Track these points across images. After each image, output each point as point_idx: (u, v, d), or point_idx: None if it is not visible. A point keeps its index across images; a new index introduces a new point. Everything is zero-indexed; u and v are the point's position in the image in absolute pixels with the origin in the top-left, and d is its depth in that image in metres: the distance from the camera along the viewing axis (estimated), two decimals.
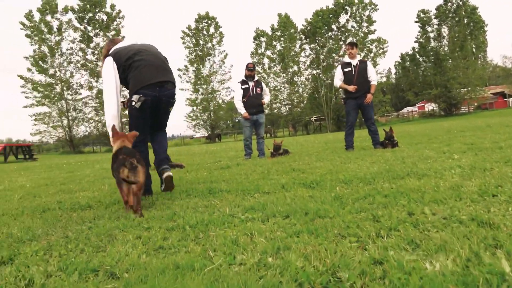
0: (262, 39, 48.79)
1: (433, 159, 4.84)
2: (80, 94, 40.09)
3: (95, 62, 39.11)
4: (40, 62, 38.41)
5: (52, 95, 38.53)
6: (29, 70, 38.38)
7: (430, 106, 49.54)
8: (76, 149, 39.43)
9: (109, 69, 3.66)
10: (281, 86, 48.97)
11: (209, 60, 45.97)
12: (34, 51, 38.62)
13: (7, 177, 8.77)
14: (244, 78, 8.23)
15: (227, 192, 3.67)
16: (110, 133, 3.49)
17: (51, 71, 38.94)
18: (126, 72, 3.70)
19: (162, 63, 3.88)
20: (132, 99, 3.70)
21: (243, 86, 8.14)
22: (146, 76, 3.67)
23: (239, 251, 1.83)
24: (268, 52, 48.76)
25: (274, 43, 48.45)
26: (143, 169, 3.04)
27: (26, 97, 38.09)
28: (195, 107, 45.65)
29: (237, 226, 2.33)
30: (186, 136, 55.67)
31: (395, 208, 2.43)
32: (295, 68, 48.53)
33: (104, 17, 39.90)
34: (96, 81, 39.35)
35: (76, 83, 40.01)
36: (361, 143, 9.87)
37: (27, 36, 38.13)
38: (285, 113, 49.93)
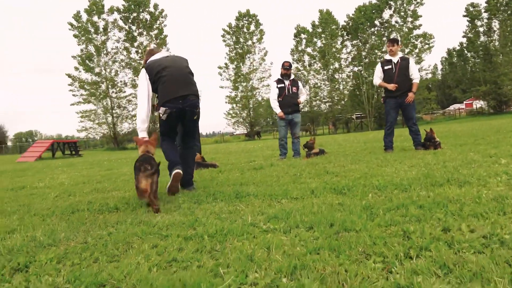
0: (302, 36, 48.19)
1: (477, 164, 4.50)
2: (124, 92, 41.32)
3: (138, 61, 40.17)
4: (87, 61, 39.87)
5: (98, 93, 39.93)
6: (76, 69, 40.00)
7: (478, 104, 47.12)
8: (120, 145, 40.72)
9: (143, 80, 4.21)
10: (321, 83, 48.21)
11: (249, 57, 45.98)
12: (81, 50, 40.16)
13: (50, 173, 9.09)
14: (280, 77, 8.10)
15: (255, 197, 3.56)
16: (142, 134, 4.05)
17: (97, 70, 40.34)
18: (156, 84, 4.17)
19: (185, 78, 4.24)
20: (159, 111, 4.17)
21: (279, 85, 8.01)
22: (170, 90, 4.09)
23: (253, 268, 1.71)
24: (309, 49, 48.11)
25: (315, 39, 47.72)
26: (156, 175, 3.48)
27: (73, 95, 39.80)
28: (234, 105, 45.87)
29: (256, 237, 2.21)
30: (226, 133, 56.22)
31: (429, 223, 2.22)
32: (336, 65, 47.58)
33: (148, 17, 40.85)
34: None
35: (120, 81, 41.25)
36: (401, 143, 9.46)
37: (75, 36, 39.70)
38: (325, 111, 49.10)
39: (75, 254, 2.13)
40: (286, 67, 7.96)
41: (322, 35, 47.21)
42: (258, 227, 2.42)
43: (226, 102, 45.97)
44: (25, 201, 4.51)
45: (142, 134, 4.06)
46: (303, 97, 8.21)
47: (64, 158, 22.22)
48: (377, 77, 7.68)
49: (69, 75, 39.56)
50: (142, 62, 4.36)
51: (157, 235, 2.41)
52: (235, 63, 45.79)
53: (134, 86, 40.67)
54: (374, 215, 2.49)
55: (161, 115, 4.17)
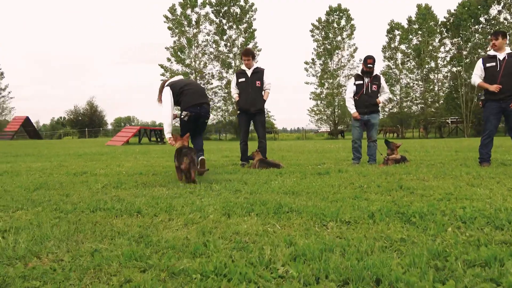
0: (396, 32, 45.17)
1: None
2: (211, 84, 41.91)
3: (226, 54, 40.79)
4: (179, 53, 41.53)
5: None
6: (168, 60, 41.61)
7: None
8: (204, 135, 41.85)
9: (167, 95, 5.58)
10: (414, 83, 44.83)
11: (337, 54, 44.34)
12: (174, 42, 41.79)
13: (118, 160, 9.25)
14: (359, 73, 7.34)
15: (297, 214, 2.90)
16: (168, 136, 5.45)
17: (187, 61, 41.60)
18: (179, 97, 5.65)
19: (202, 91, 5.98)
20: (182, 114, 5.68)
21: (357, 82, 7.26)
22: (192, 99, 5.66)
23: None
24: (402, 47, 44.90)
25: (410, 36, 44.39)
26: (195, 157, 4.95)
27: None
28: (319, 101, 44.55)
29: None
30: (310, 130, 55.24)
31: None
32: (432, 64, 43.87)
33: (238, 10, 41.27)
34: (227, 72, 41.16)
35: (208, 73, 42.02)
36: (501, 155, 7.99)
37: (169, 28, 41.37)
38: (416, 113, 45.67)
39: (30, 278, 1.65)
40: (369, 64, 7.10)
41: (419, 32, 43.71)
42: (272, 269, 1.75)
43: (310, 99, 44.80)
44: (70, 189, 4.44)
45: (168, 135, 5.46)
46: (384, 96, 7.36)
47: (148, 144, 23.16)
48: (477, 75, 6.44)
49: (161, 66, 41.44)
50: (160, 87, 5.93)
51: (138, 268, 1.85)
52: (323, 59, 44.40)
53: (221, 78, 41.48)
54: (448, 273, 1.67)
55: (183, 117, 5.66)
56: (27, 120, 40.25)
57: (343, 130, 43.80)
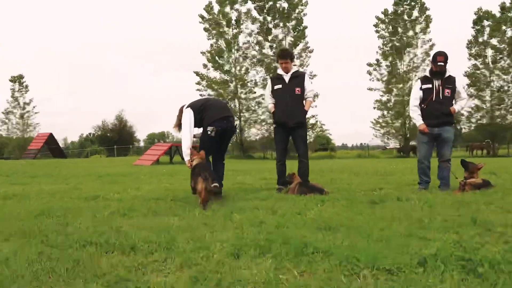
0: (485, 23, 43.49)
1: None
2: (254, 92, 42.32)
3: (271, 57, 41.04)
4: (217, 58, 42.40)
5: (226, 93, 42.12)
6: (204, 66, 42.50)
7: None
8: (245, 153, 42.22)
9: (187, 116, 6.20)
10: (509, 86, 42.84)
11: (408, 52, 43.39)
12: (211, 45, 42.73)
13: (140, 182, 9.56)
14: (427, 75, 7.08)
15: (324, 257, 2.79)
16: (187, 158, 6.10)
17: (226, 67, 42.35)
18: (201, 114, 6.20)
19: (225, 105, 6.82)
20: (208, 129, 6.16)
21: (424, 86, 7.00)
22: (216, 113, 6.23)
23: None
24: (494, 41, 43.11)
25: (504, 28, 42.56)
26: (212, 178, 5.50)
27: (200, 95, 42.28)
28: (385, 111, 43.64)
29: None
30: (376, 147, 54.18)
31: None
32: None
33: (285, 5, 41.65)
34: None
35: (251, 80, 42.50)
36: None
37: (205, 29, 42.32)
38: None
39: None
40: (440, 62, 6.82)
41: None
42: None
43: (374, 108, 43.86)
44: (72, 217, 4.67)
45: (187, 157, 6.08)
46: (460, 103, 7.07)
47: (181, 163, 23.53)
48: None
49: (197, 73, 42.47)
50: (176, 120, 6.62)
51: None
52: (390, 59, 43.48)
53: (265, 86, 41.85)
54: None
55: (210, 132, 6.14)
56: (51, 137, 42.46)
57: (415, 146, 42.52)
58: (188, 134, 6.15)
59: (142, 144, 74.77)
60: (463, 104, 7.09)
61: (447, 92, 6.88)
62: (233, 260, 2.78)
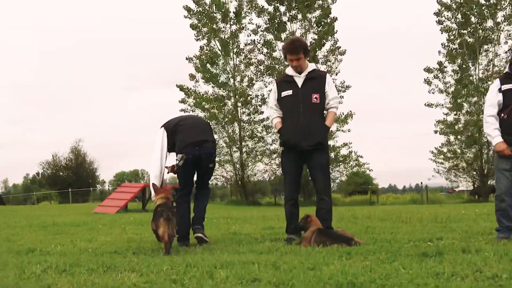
0: None
1: None
2: (261, 113, 42.58)
3: (284, 63, 41.03)
4: (208, 65, 42.47)
5: (222, 114, 42.11)
6: (192, 77, 42.79)
7: None
8: (250, 198, 42.17)
9: (159, 138, 7.19)
10: None
11: (486, 50, 43.32)
12: (201, 48, 42.94)
13: (95, 233, 9.97)
14: (509, 71, 7.05)
15: None
16: (152, 191, 6.91)
17: (222, 78, 42.73)
18: (173, 136, 7.13)
19: (203, 125, 7.71)
20: (176, 158, 7.04)
21: (505, 87, 6.90)
22: (187, 137, 7.04)
23: None
24: None
25: None
26: (175, 221, 6.36)
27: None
28: (452, 137, 43.72)
29: None
30: (436, 188, 53.75)
31: None
32: None
33: None
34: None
35: (256, 96, 42.87)
36: None
37: (193, 26, 42.57)
38: None
39: None
40: None
41: None
42: None
43: (436, 132, 43.82)
44: None
45: (154, 192, 6.84)
46: None
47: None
48: None
49: (181, 88, 42.61)
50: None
51: None
52: (459, 61, 43.55)
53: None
54: None
55: (177, 162, 7.06)
56: None
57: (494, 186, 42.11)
58: (158, 161, 7.14)
59: (107, 187, 75.02)
60: None
61: None
62: None
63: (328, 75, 7.60)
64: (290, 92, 7.28)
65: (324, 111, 7.36)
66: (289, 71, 7.46)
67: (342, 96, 39.72)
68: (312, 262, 4.97)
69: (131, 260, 5.63)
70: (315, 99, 7.21)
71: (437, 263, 4.81)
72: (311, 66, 7.48)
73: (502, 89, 6.91)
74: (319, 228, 6.71)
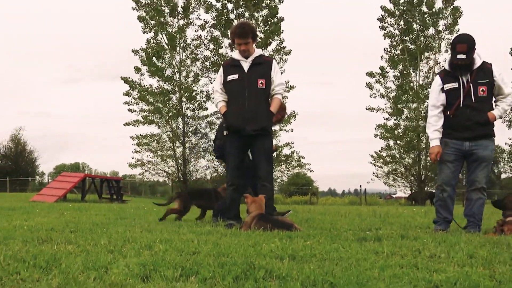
0: None
1: None
2: (206, 109, 42.90)
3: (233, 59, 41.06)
4: (154, 59, 42.28)
5: (166, 108, 42.02)
6: (137, 70, 42.38)
7: None
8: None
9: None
10: None
11: (427, 58, 44.19)
12: (148, 41, 42.66)
13: (32, 215, 9.61)
14: (447, 68, 7.07)
15: (282, 281, 2.89)
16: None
17: (167, 72, 42.63)
18: None
19: None
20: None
21: (446, 86, 6.95)
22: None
23: None
24: None
25: None
26: None
27: (129, 109, 42.02)
28: (392, 142, 44.52)
29: None
30: (376, 194, 54.59)
31: None
32: None
33: None
34: None
35: (201, 91, 42.96)
36: None
37: (140, 19, 42.15)
38: None
39: None
40: (460, 54, 6.78)
41: None
42: None
43: (376, 136, 44.58)
44: None
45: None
46: (502, 105, 6.99)
47: (98, 203, 23.53)
48: None
49: (125, 80, 42.21)
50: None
51: None
52: (400, 67, 44.46)
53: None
54: None
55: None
56: None
57: (433, 193, 42.88)
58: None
59: (46, 179, 73.99)
60: (507, 104, 7.00)
61: (482, 91, 6.86)
62: (138, 283, 2.89)
63: (274, 61, 7.65)
64: (236, 76, 7.32)
65: (269, 97, 7.41)
66: (236, 55, 7.50)
67: (286, 96, 40.06)
68: (252, 242, 5.05)
69: (68, 236, 5.59)
70: (261, 85, 7.25)
71: (376, 246, 4.93)
72: (258, 51, 7.52)
73: (445, 89, 6.99)
74: (260, 213, 6.73)
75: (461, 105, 6.87)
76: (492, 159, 7.24)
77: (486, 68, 6.93)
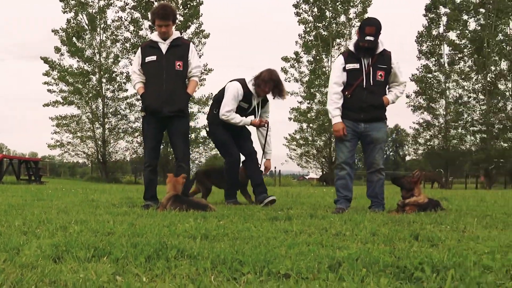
0: (442, 10, 45.64)
1: None
2: (126, 90, 42.41)
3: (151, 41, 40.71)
4: (74, 39, 41.29)
5: (86, 89, 41.25)
6: (57, 50, 41.36)
7: None
8: (110, 175, 41.83)
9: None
10: (470, 96, 45.33)
11: (339, 45, 44.46)
12: (68, 21, 41.47)
13: None
14: (352, 50, 7.21)
15: (193, 261, 2.88)
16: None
17: (87, 53, 41.79)
18: None
19: None
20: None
21: (348, 66, 7.07)
22: None
23: None
24: (452, 35, 45.28)
25: (466, 17, 45.27)
26: None
27: (48, 90, 41.08)
28: (305, 125, 45.16)
29: None
30: (290, 175, 55.13)
31: None
32: (504, 65, 44.68)
33: None
34: None
35: (121, 73, 42.36)
36: None
37: None
38: (473, 148, 46.16)
39: None
40: (369, 36, 6.91)
41: (481, 10, 44.73)
42: None
43: (290, 119, 45.09)
44: None
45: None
46: (395, 91, 7.28)
47: (15, 184, 23.05)
48: None
49: (45, 60, 41.12)
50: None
51: None
52: (314, 53, 45.09)
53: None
54: None
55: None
56: None
57: None
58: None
59: None
60: (398, 91, 7.29)
61: (380, 75, 7.02)
62: (50, 264, 2.83)
63: (192, 44, 7.69)
64: (154, 58, 7.29)
65: (186, 79, 7.48)
66: (154, 36, 7.46)
67: (204, 79, 40.22)
68: (168, 222, 5.08)
69: None
70: (178, 67, 7.28)
71: (286, 225, 5.06)
72: (176, 34, 7.51)
73: (346, 68, 7.06)
74: (176, 194, 6.76)
75: (360, 86, 7.00)
76: (385, 140, 7.54)
77: (386, 55, 7.14)
